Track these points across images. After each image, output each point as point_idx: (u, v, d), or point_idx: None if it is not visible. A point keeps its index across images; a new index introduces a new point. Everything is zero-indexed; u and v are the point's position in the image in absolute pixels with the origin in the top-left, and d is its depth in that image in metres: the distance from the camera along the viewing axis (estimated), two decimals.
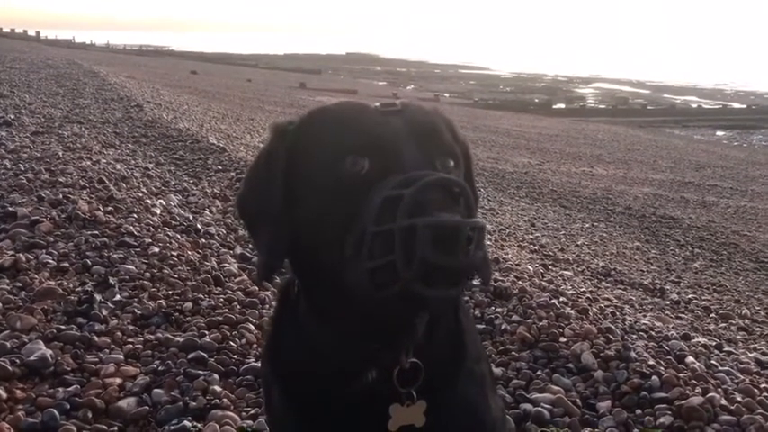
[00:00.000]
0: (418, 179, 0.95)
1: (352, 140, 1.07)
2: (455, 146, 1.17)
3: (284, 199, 1.11)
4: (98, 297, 2.57)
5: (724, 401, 2.22)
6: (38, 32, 58.66)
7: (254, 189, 1.19)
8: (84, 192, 3.91)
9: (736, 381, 2.47)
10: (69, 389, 2.00)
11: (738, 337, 3.73)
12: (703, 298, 4.72)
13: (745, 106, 36.32)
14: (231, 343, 2.39)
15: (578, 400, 2.26)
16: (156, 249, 3.14)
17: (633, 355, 2.47)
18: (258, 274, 1.23)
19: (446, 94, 36.75)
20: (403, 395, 1.16)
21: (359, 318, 1.10)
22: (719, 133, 27.54)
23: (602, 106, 35.11)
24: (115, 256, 3.01)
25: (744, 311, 4.45)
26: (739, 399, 2.27)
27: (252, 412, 2.03)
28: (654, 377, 2.32)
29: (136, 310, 2.56)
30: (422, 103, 1.32)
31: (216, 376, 2.17)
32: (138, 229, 3.37)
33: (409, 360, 1.16)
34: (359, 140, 1.07)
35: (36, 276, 2.73)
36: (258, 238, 1.21)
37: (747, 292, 5.19)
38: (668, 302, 4.34)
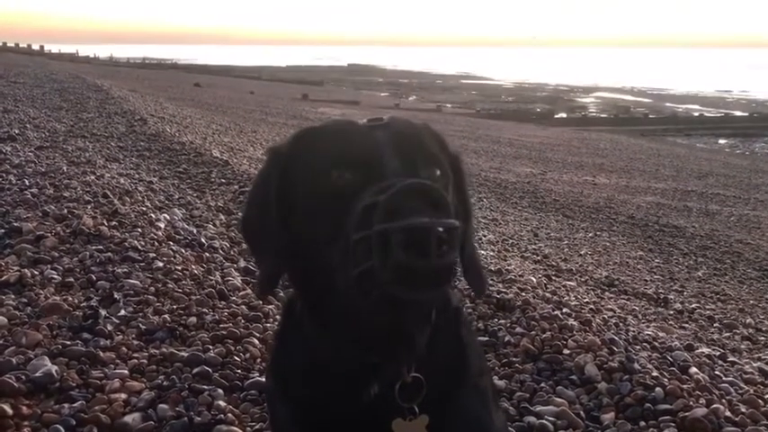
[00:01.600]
0: (393, 186, 0.99)
1: (336, 155, 1.12)
2: (441, 156, 1.20)
3: (279, 217, 1.17)
4: (103, 312, 2.58)
5: (728, 413, 2.21)
6: (42, 46, 58.95)
7: (253, 211, 1.26)
8: (89, 206, 3.93)
9: (740, 391, 2.47)
10: (75, 405, 2.01)
11: (743, 346, 3.72)
12: (707, 307, 4.71)
13: (747, 114, 36.29)
14: (236, 357, 2.40)
15: (582, 412, 2.25)
16: (161, 264, 3.15)
17: (637, 366, 2.47)
18: (258, 289, 1.27)
19: (448, 105, 36.82)
20: (405, 410, 1.17)
21: (357, 329, 1.13)
22: (722, 141, 27.54)
23: (604, 115, 35.12)
24: (120, 270, 3.02)
25: (748, 321, 4.44)
26: (743, 410, 2.27)
27: (257, 427, 2.03)
28: (658, 389, 2.31)
29: (141, 325, 2.56)
30: (418, 115, 1.35)
31: (220, 391, 2.18)
32: (143, 243, 3.39)
33: (411, 374, 1.17)
34: (341, 155, 1.12)
35: (41, 292, 2.74)
36: (259, 256, 1.28)
37: (751, 301, 5.17)
38: (672, 312, 4.34)
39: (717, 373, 2.65)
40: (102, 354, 2.31)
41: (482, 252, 4.56)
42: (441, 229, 0.94)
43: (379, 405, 1.17)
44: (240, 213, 1.41)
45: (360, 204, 1.01)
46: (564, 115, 34.80)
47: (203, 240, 3.67)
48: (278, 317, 2.78)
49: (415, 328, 1.16)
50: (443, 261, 0.95)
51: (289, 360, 1.28)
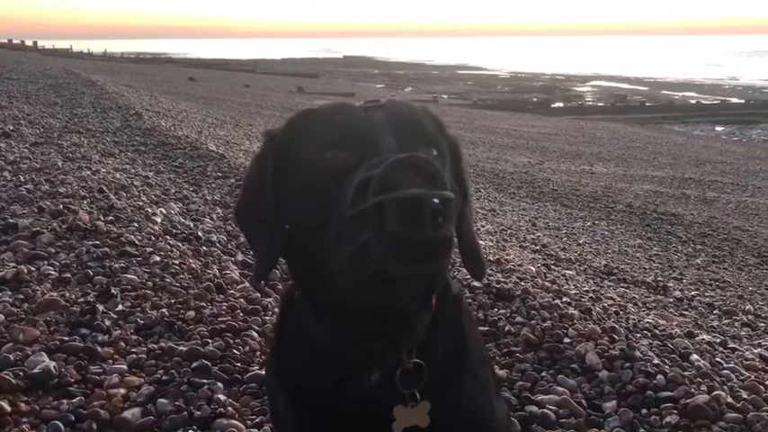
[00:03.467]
0: (387, 159, 0.97)
1: (331, 135, 1.10)
2: (439, 136, 1.19)
3: (275, 201, 1.15)
4: (100, 308, 2.57)
5: (730, 399, 2.21)
6: (35, 42, 58.66)
7: (248, 195, 1.24)
8: (85, 202, 3.91)
9: (741, 378, 2.46)
10: (73, 401, 2.00)
11: (742, 333, 3.72)
12: (706, 294, 4.71)
13: (743, 101, 36.27)
14: (234, 351, 2.39)
15: (584, 400, 2.25)
16: (158, 258, 3.13)
17: (638, 354, 2.46)
18: (255, 275, 1.26)
19: (444, 96, 36.75)
20: (406, 396, 1.16)
21: (355, 314, 1.12)
22: (719, 128, 27.53)
23: (601, 104, 35.08)
24: (117, 265, 3.00)
25: (747, 307, 4.44)
26: (745, 396, 2.26)
27: (257, 420, 2.02)
28: (659, 376, 2.31)
29: (138, 319, 2.55)
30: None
31: (220, 385, 2.17)
32: (140, 238, 3.37)
33: (412, 360, 1.16)
34: (337, 134, 1.10)
35: (38, 288, 2.73)
36: (255, 243, 1.25)
37: (750, 288, 5.17)
38: (671, 300, 4.33)
39: (717, 359, 2.64)
40: (100, 349, 2.30)
41: (481, 242, 4.55)
42: (436, 200, 0.92)
43: (380, 392, 1.16)
44: (236, 200, 1.40)
45: (354, 180, 1.00)
46: (560, 105, 34.75)
47: (200, 234, 3.66)
48: (276, 309, 2.77)
49: (413, 311, 1.15)
50: (439, 233, 0.93)
51: (288, 351, 1.27)
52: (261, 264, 1.22)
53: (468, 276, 3.15)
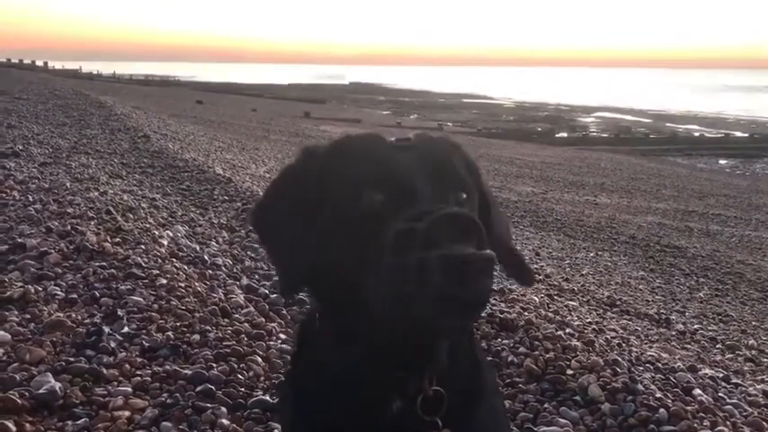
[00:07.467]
0: (430, 213, 0.99)
1: (368, 173, 1.13)
2: (467, 177, 1.21)
3: (307, 219, 1.16)
4: (106, 329, 2.59)
5: None
6: (45, 63, 59.28)
7: (278, 204, 1.24)
8: (92, 223, 3.94)
9: (744, 414, 2.46)
10: (78, 422, 2.01)
11: (746, 368, 3.71)
12: (709, 328, 4.70)
13: (747, 135, 36.38)
14: (239, 375, 2.40)
15: None
16: (164, 281, 3.15)
17: (640, 387, 2.46)
18: (280, 289, 1.27)
19: (449, 124, 36.95)
20: (428, 423, 1.18)
21: (383, 341, 1.13)
22: (722, 162, 27.61)
23: (605, 135, 35.20)
24: (123, 287, 3.02)
25: (750, 342, 4.43)
26: None
27: None
28: (661, 410, 2.31)
29: (144, 342, 2.56)
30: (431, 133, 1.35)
31: (224, 409, 2.17)
32: (146, 260, 3.39)
33: (432, 388, 1.18)
34: (376, 175, 1.12)
35: (45, 308, 2.75)
36: (276, 253, 1.26)
37: (754, 322, 5.17)
38: (674, 333, 4.33)
39: (720, 394, 2.64)
40: (105, 371, 2.31)
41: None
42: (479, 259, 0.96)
43: (401, 420, 1.17)
44: (256, 204, 1.39)
45: (393, 228, 1.02)
46: (565, 135, 34.89)
47: (206, 257, 3.68)
48: (281, 335, 2.79)
49: (442, 344, 1.18)
50: (481, 289, 0.98)
51: (307, 379, 1.27)
52: (286, 280, 1.22)
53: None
